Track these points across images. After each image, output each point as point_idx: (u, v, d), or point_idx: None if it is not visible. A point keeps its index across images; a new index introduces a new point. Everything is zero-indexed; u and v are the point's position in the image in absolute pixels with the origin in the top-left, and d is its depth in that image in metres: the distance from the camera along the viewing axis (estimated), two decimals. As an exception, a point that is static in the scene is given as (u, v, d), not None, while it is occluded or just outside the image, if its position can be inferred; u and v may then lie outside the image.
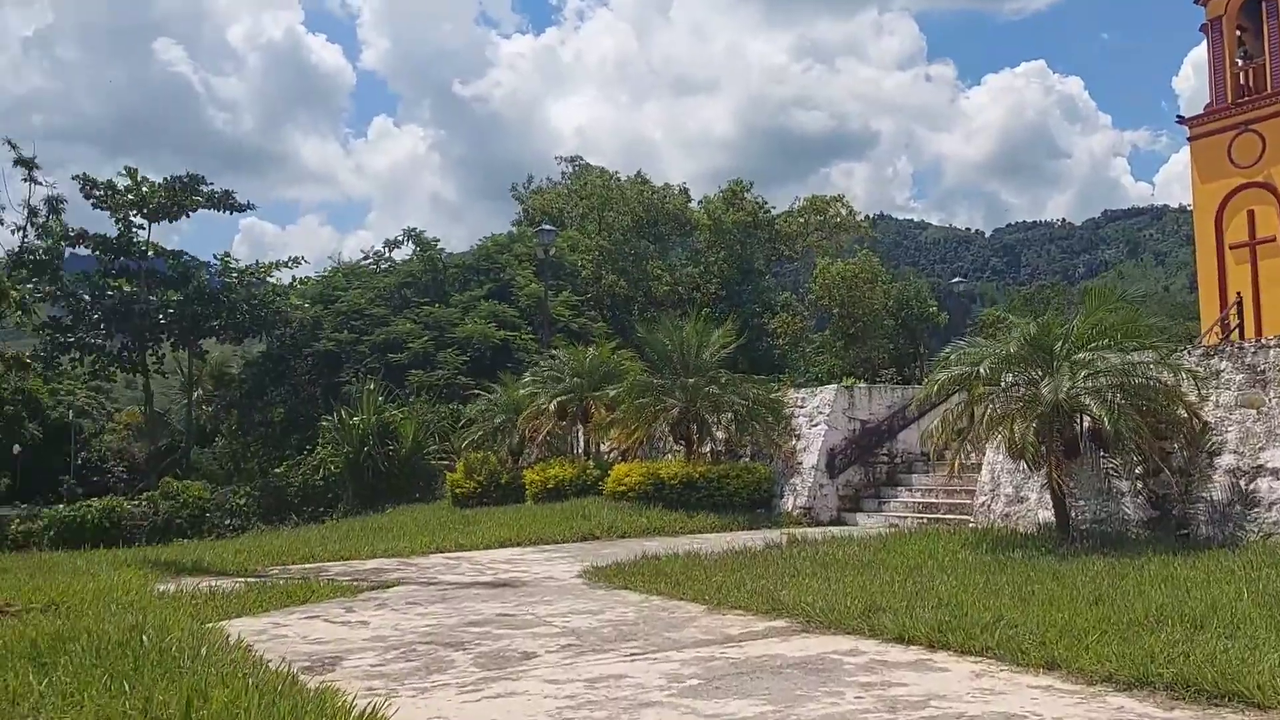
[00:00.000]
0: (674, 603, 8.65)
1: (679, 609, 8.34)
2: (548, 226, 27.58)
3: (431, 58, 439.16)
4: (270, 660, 6.19)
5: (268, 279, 31.83)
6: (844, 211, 42.17)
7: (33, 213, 29.08)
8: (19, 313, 29.55)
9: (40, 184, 29.15)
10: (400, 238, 38.40)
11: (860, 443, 18.25)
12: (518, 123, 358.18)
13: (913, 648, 6.56)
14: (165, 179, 31.44)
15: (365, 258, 37.62)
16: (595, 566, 11.02)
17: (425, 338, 32.08)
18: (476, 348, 31.84)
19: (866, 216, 50.88)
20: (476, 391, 25.67)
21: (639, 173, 40.21)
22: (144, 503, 25.87)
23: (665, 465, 18.11)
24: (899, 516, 16.33)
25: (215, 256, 33.96)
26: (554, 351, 23.56)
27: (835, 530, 15.12)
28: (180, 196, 31.59)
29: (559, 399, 20.76)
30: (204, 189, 32.10)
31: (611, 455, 21.05)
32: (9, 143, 28.73)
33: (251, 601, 9.13)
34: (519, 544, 14.70)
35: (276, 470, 28.69)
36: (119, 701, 4.51)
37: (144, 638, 5.99)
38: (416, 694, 5.58)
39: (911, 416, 18.60)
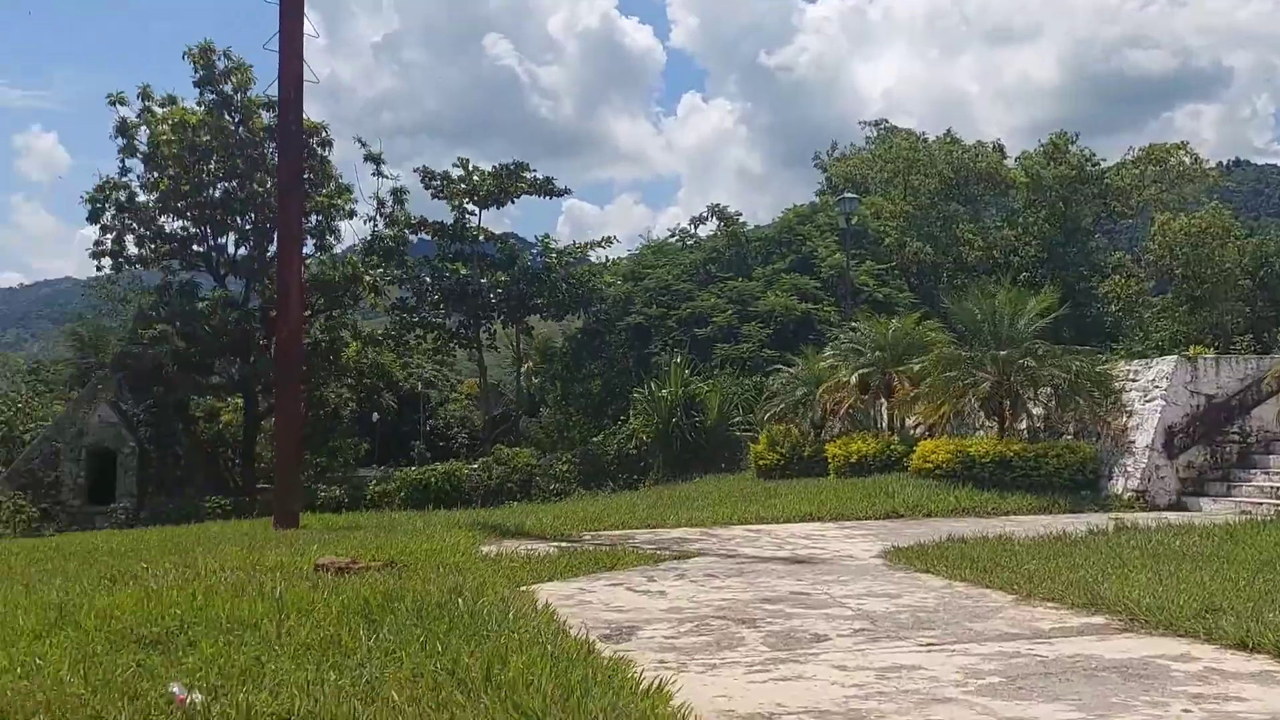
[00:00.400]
0: (979, 590, 8.20)
1: (984, 598, 7.89)
2: (849, 194, 26.97)
3: (738, 30, 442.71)
4: (572, 627, 6.52)
5: (584, 259, 33.63)
6: (1187, 160, 37.78)
7: (380, 204, 32.53)
8: (372, 295, 33.45)
9: (386, 177, 32.56)
10: (705, 214, 39.22)
11: (1205, 419, 16.43)
12: (823, 89, 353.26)
13: (1257, 657, 5.78)
14: (494, 167, 34.03)
15: (671, 235, 38.79)
16: (896, 547, 10.69)
17: (729, 311, 32.55)
18: (779, 320, 31.87)
19: (1218, 164, 45.42)
20: (778, 365, 25.70)
21: (948, 132, 38.25)
22: (479, 468, 28.28)
23: (975, 442, 17.22)
24: (1252, 503, 14.55)
25: (537, 239, 36.33)
26: (854, 323, 23.05)
27: (1172, 517, 13.72)
28: (506, 183, 34.05)
29: (860, 372, 20.32)
30: (527, 175, 34.40)
31: (917, 431, 20.34)
32: (359, 141, 32.21)
33: (563, 567, 9.68)
34: (819, 519, 14.57)
35: (594, 439, 30.33)
36: (431, 661, 4.92)
37: (460, 600, 6.51)
38: (705, 670, 5.66)
39: (1270, 390, 16.46)
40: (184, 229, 31.31)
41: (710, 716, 4.66)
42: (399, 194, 32.73)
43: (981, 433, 18.64)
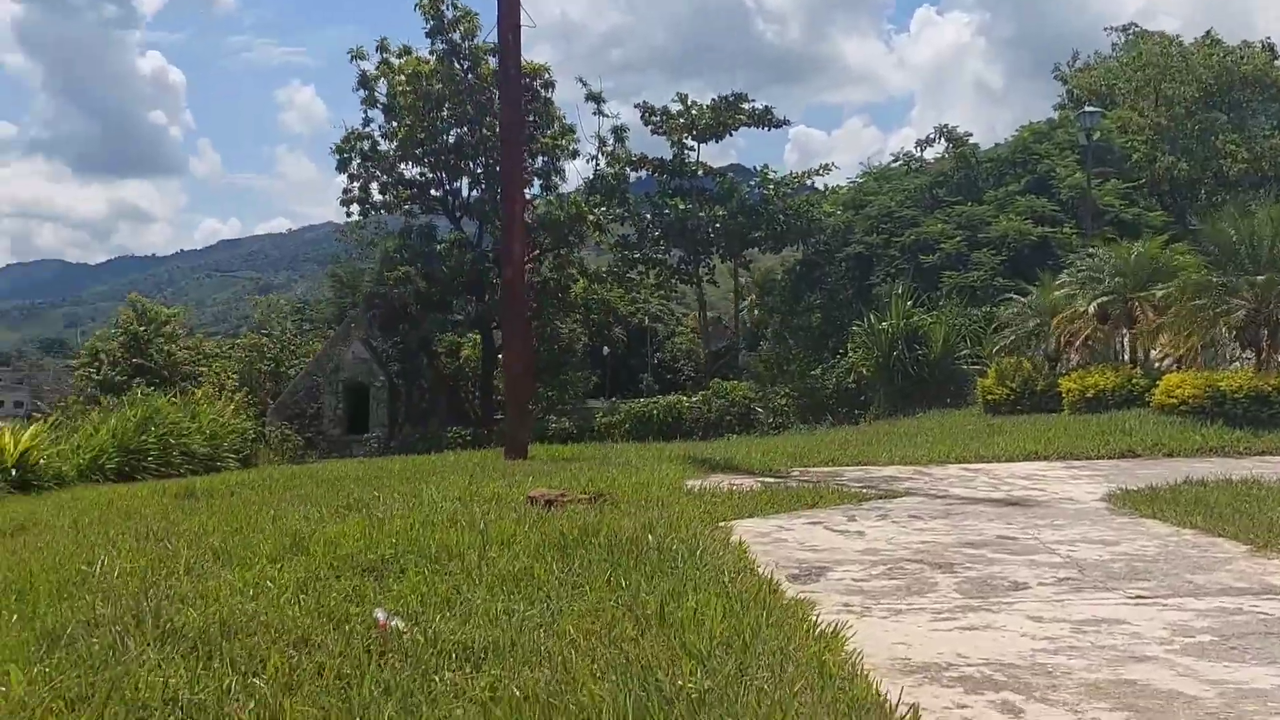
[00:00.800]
0: (1209, 539, 7.59)
1: (1213, 547, 7.30)
2: (1091, 108, 24.92)
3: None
4: (761, 565, 6.60)
5: (802, 189, 33.03)
6: None
7: (602, 143, 33.17)
8: (597, 233, 34.37)
9: (607, 116, 33.10)
10: (932, 135, 37.35)
11: None
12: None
13: None
14: (712, 100, 33.87)
15: (895, 160, 37.27)
16: (1124, 489, 10.03)
17: (957, 238, 31.07)
18: (1011, 246, 30.12)
19: None
20: (1010, 295, 24.40)
21: (1208, 33, 34.40)
22: (699, 401, 28.74)
23: (1228, 376, 15.75)
24: None
25: (756, 170, 35.96)
26: (1091, 249, 21.46)
27: None
28: (724, 116, 33.83)
29: (1098, 301, 18.97)
30: (745, 107, 34.04)
31: (1162, 364, 18.84)
32: (580, 81, 32.87)
33: (764, 503, 9.74)
34: (1045, 458, 13.85)
35: (812, 373, 30.06)
36: (614, 596, 5.14)
37: (650, 536, 6.71)
38: (888, 615, 5.59)
39: None
40: (422, 175, 33.26)
41: (884, 664, 4.62)
42: (619, 132, 33.27)
43: (1236, 365, 17.02)
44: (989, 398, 22.06)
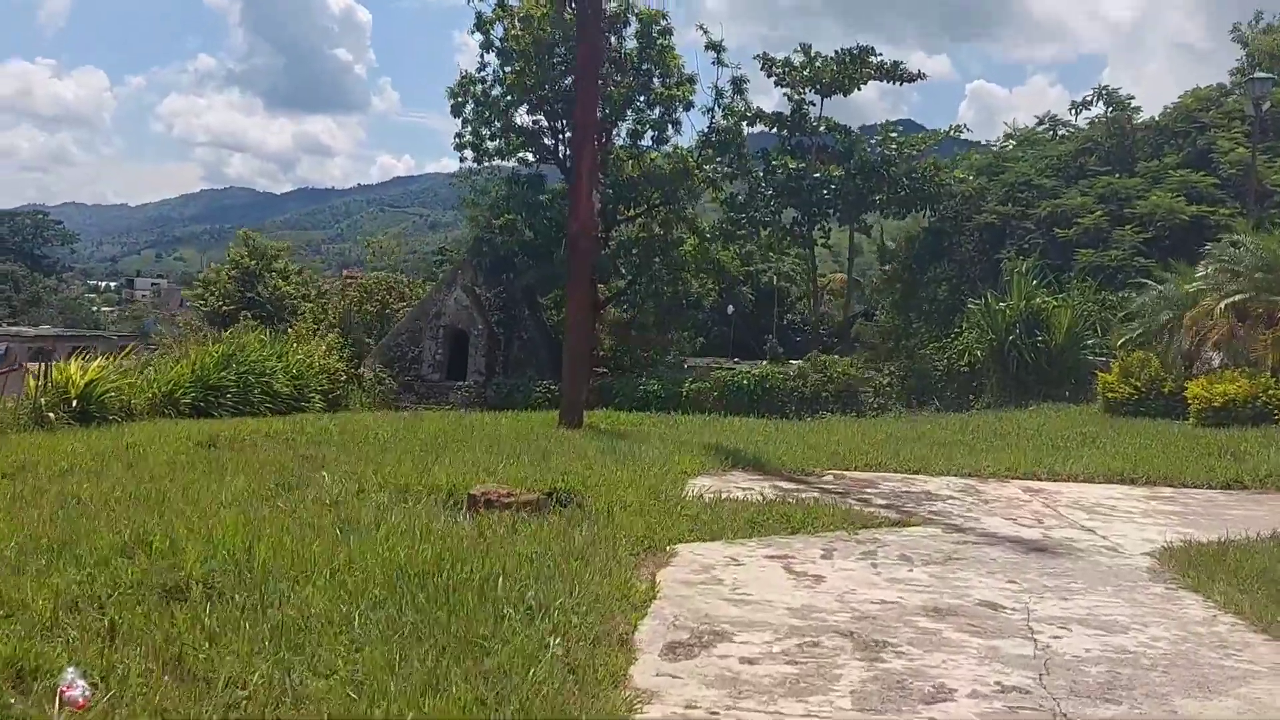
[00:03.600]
0: (1246, 635, 5.93)
1: (1245, 649, 5.67)
2: (1261, 74, 21.79)
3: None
4: (648, 628, 5.51)
5: (929, 151, 30.63)
6: None
7: (719, 94, 31.50)
8: (710, 189, 32.88)
9: (726, 65, 31.37)
10: (1090, 97, 34.01)
11: None
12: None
13: None
14: (836, 52, 31.70)
15: (1040, 124, 34.11)
16: (1189, 540, 8.30)
17: (1098, 212, 28.12)
18: (1160, 225, 27.02)
19: None
20: (1144, 280, 21.82)
21: None
22: (795, 374, 27.19)
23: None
24: None
25: (878, 127, 33.60)
26: (1235, 237, 18.76)
27: None
28: (850, 69, 31.64)
29: (1235, 298, 16.52)
30: (873, 60, 31.74)
31: (1305, 376, 16.33)
32: (701, 28, 31.28)
33: (744, 521, 8.52)
34: (1130, 481, 11.97)
35: (924, 351, 28.01)
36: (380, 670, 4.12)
37: (500, 584, 5.63)
38: (729, 730, 4.38)
39: None
40: (535, 122, 32.43)
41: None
42: (739, 83, 31.52)
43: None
44: (1110, 395, 19.83)
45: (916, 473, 12.23)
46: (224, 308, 37.39)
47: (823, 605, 6.30)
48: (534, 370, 30.67)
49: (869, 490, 10.79)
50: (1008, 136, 34.26)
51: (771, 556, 7.52)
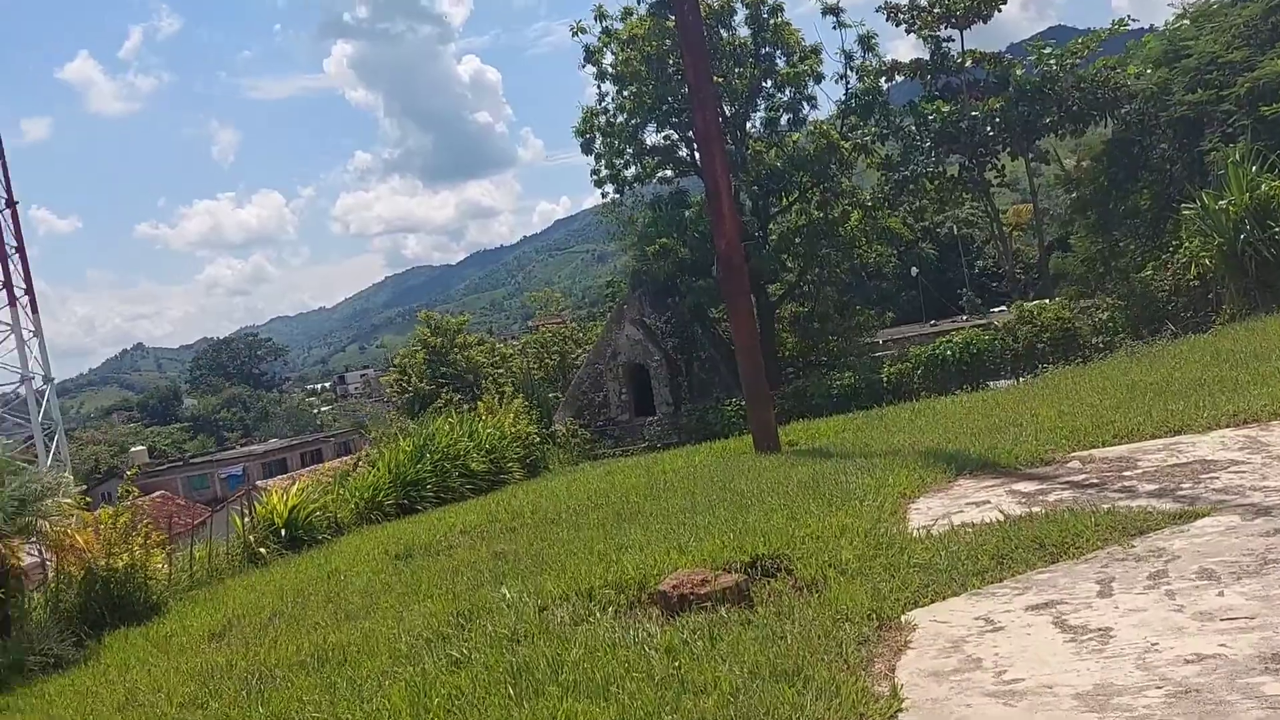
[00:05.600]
0: None
1: None
2: None
3: None
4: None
5: (1094, 55, 27.60)
6: None
7: (848, 57, 29.61)
8: (861, 156, 30.95)
9: (848, 26, 29.44)
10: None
11: None
12: None
13: None
14: (962, -23, 29.22)
15: (1215, -11, 30.11)
16: None
17: (1312, 73, 24.39)
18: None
19: None
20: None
21: None
22: (1002, 332, 24.93)
23: None
24: None
25: (1027, 46, 30.67)
26: None
27: None
28: (984, -9, 29.08)
29: None
30: (1006, -25, 29.03)
31: None
32: (813, -8, 29.51)
33: (989, 556, 7.01)
34: None
35: (1141, 274, 25.08)
36: None
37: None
38: None
39: None
40: (665, 138, 31.57)
41: None
42: (867, 41, 29.53)
43: None
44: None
45: (1178, 433, 10.23)
46: (424, 388, 38.36)
47: (1121, 681, 4.81)
48: (720, 389, 29.65)
49: (1128, 473, 9.00)
50: (1179, 17, 30.49)
51: (1034, 607, 6.04)
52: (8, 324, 37.21)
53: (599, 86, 31.00)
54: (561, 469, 25.09)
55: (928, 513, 8.78)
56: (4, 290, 37.05)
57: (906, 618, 6.18)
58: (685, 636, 6.11)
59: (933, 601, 6.41)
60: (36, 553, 13.94)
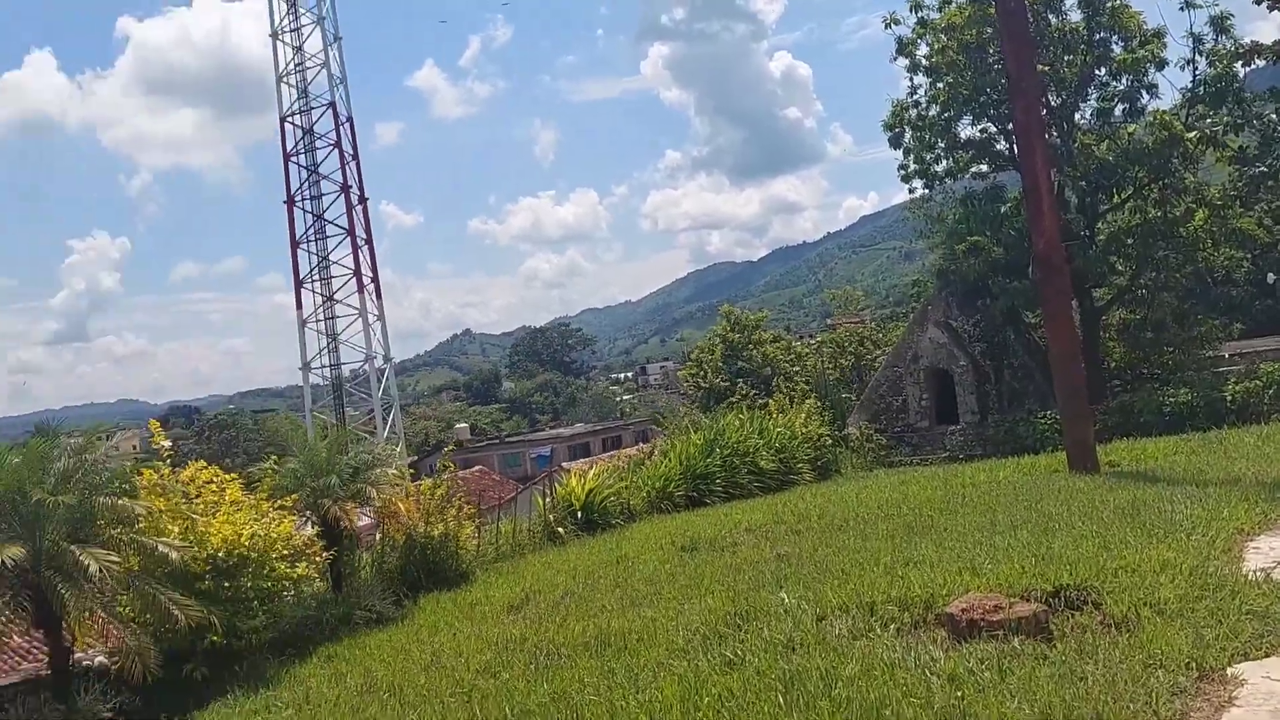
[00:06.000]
0: None
1: None
2: None
3: None
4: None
5: None
6: None
7: (1197, 40, 26.63)
8: (1209, 149, 27.74)
9: (1199, 6, 26.45)
10: None
11: None
12: None
13: None
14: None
15: None
16: None
17: None
18: None
19: None
20: None
21: None
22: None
23: None
24: None
25: None
26: None
27: None
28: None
29: None
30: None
31: None
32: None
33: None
34: None
35: None
36: None
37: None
38: None
39: None
40: (981, 131, 29.96)
41: None
42: (1220, 22, 26.37)
43: None
44: None
45: None
46: (718, 383, 39.01)
47: None
48: (1034, 400, 27.66)
49: None
50: None
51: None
52: (356, 308, 41.62)
53: (910, 79, 29.92)
54: (853, 474, 24.52)
55: (1269, 553, 7.69)
56: (354, 278, 41.50)
57: (1233, 671, 5.42)
58: (972, 665, 5.69)
59: (1267, 655, 5.58)
60: (369, 516, 15.47)
